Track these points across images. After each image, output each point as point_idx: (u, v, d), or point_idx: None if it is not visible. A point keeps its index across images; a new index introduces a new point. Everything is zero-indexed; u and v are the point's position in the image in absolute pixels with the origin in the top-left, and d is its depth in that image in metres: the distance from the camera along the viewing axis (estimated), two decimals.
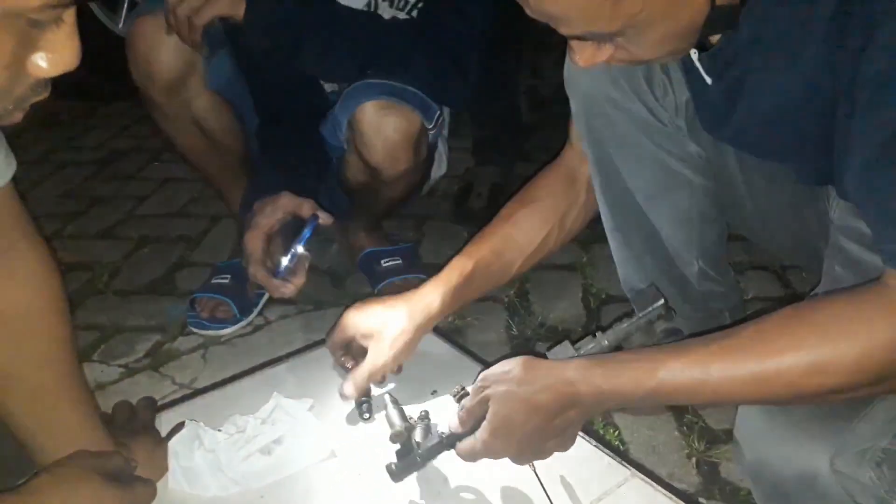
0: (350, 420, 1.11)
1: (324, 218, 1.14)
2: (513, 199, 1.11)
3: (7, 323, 0.83)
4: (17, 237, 0.83)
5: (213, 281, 1.43)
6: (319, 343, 1.28)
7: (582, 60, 0.74)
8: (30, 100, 0.51)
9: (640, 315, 0.87)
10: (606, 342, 0.87)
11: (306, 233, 1.13)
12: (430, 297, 1.06)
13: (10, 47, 0.47)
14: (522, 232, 1.08)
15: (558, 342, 0.88)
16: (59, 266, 0.87)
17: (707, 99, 0.84)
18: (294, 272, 1.15)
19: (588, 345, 0.87)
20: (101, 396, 1.20)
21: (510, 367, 0.83)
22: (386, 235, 1.59)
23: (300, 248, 1.14)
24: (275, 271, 1.15)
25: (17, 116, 0.52)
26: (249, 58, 1.32)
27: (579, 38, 0.72)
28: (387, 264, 1.47)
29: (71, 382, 0.91)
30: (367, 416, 1.09)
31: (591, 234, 1.54)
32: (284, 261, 1.14)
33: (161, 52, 1.26)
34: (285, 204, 1.13)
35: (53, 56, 0.49)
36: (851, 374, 0.66)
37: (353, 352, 1.11)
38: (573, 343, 0.87)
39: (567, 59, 0.96)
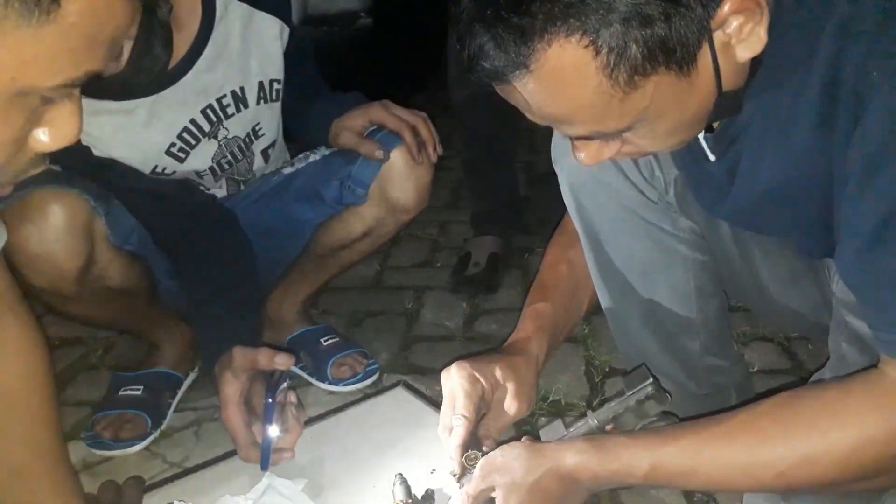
0: (344, 499, 1.07)
1: (285, 363, 1.06)
2: (552, 242, 1.11)
3: None
4: (4, 310, 0.82)
5: (122, 394, 1.31)
6: (313, 420, 1.25)
7: (588, 159, 0.72)
8: (26, 173, 0.51)
9: (628, 395, 0.88)
10: (596, 422, 0.88)
11: (271, 400, 1.03)
12: (534, 346, 1.00)
13: (20, 123, 0.47)
14: (579, 269, 1.07)
15: (551, 422, 0.92)
16: (52, 341, 0.85)
17: (708, 176, 0.84)
18: (285, 428, 1.07)
19: (579, 425, 0.89)
20: (88, 476, 1.16)
21: (512, 455, 0.83)
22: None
23: (274, 409, 1.03)
24: (263, 437, 1.05)
25: (8, 189, 0.52)
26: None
27: (586, 138, 0.70)
28: (328, 342, 1.45)
29: (54, 463, 0.87)
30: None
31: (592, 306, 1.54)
32: (272, 432, 1.04)
33: (58, 241, 1.08)
34: (241, 364, 1.05)
35: (56, 131, 0.49)
36: (843, 467, 0.65)
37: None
38: (565, 423, 0.90)
39: (554, 136, 0.97)
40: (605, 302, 1.07)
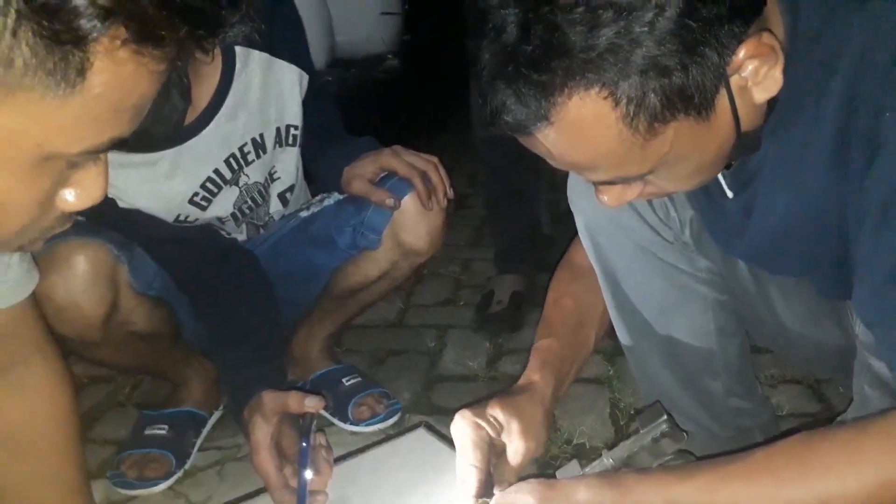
0: None
1: (315, 406, 1.06)
2: (555, 278, 1.09)
3: (13, 437, 0.83)
4: (32, 350, 0.84)
5: (147, 433, 1.33)
6: (335, 461, 1.24)
7: (611, 202, 0.73)
8: (53, 231, 0.53)
9: (643, 432, 0.86)
10: (611, 462, 0.86)
11: (305, 444, 1.03)
12: (539, 382, 0.98)
13: (48, 186, 0.48)
14: (587, 305, 1.05)
15: (567, 462, 0.91)
16: (80, 379, 0.87)
17: (725, 214, 0.84)
18: (317, 470, 1.05)
19: (594, 465, 0.87)
20: None
21: (524, 491, 0.80)
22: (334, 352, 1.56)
23: (308, 454, 1.03)
24: (299, 481, 1.04)
25: (38, 245, 0.53)
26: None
27: (608, 182, 0.71)
28: (349, 382, 1.45)
29: (76, 502, 0.88)
30: None
31: (616, 347, 1.52)
32: (308, 475, 1.02)
33: (83, 291, 1.11)
34: (272, 409, 1.05)
35: (82, 192, 0.50)
36: None
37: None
38: (581, 464, 0.88)
39: (570, 177, 0.98)
40: (624, 341, 1.06)
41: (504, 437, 0.91)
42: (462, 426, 0.89)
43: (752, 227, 0.80)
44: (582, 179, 0.78)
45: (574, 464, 0.89)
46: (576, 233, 1.09)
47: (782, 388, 1.45)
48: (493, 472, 0.91)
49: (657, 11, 0.57)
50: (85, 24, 0.41)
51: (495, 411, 0.91)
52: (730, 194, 0.81)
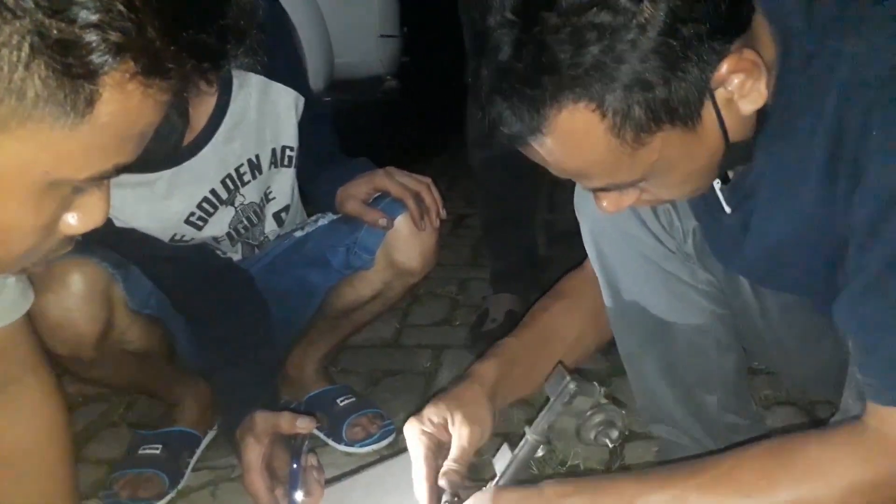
0: None
1: (306, 427, 1.06)
2: (543, 297, 1.10)
3: (5, 456, 0.83)
4: (25, 370, 0.84)
5: (141, 453, 1.32)
6: (329, 482, 1.24)
7: (609, 207, 0.77)
8: (56, 254, 0.54)
9: (553, 401, 0.86)
10: (536, 437, 0.87)
11: (296, 465, 1.03)
12: (483, 370, 0.98)
13: (52, 210, 0.49)
14: (560, 322, 1.06)
15: (498, 450, 0.91)
16: (74, 398, 0.87)
17: (724, 228, 0.86)
18: (308, 491, 1.05)
19: (521, 445, 0.88)
20: None
21: (483, 500, 0.81)
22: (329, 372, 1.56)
23: (299, 475, 1.02)
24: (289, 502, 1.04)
25: (40, 267, 0.54)
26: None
27: (603, 189, 0.75)
28: (343, 403, 1.45)
29: None
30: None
31: (612, 368, 1.52)
32: (298, 497, 1.02)
33: (78, 309, 1.12)
34: (264, 429, 1.06)
35: (84, 216, 0.52)
36: None
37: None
38: (511, 448, 0.89)
39: (577, 187, 0.99)
40: (622, 349, 1.07)
41: (451, 430, 0.92)
42: (410, 437, 0.91)
43: (748, 243, 0.82)
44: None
45: (504, 448, 0.90)
46: (572, 254, 1.11)
47: (777, 409, 1.44)
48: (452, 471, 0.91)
49: (639, 31, 0.61)
50: (96, 58, 0.43)
51: (435, 410, 0.92)
52: (727, 209, 0.83)
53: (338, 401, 1.46)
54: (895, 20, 0.66)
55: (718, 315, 1.02)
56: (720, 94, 0.67)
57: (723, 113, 0.68)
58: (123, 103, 0.45)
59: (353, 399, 1.46)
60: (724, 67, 0.65)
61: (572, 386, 0.85)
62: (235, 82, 1.25)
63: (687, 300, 1.01)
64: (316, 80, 2.42)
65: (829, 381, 0.96)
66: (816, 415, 1.43)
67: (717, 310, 1.01)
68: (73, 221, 0.51)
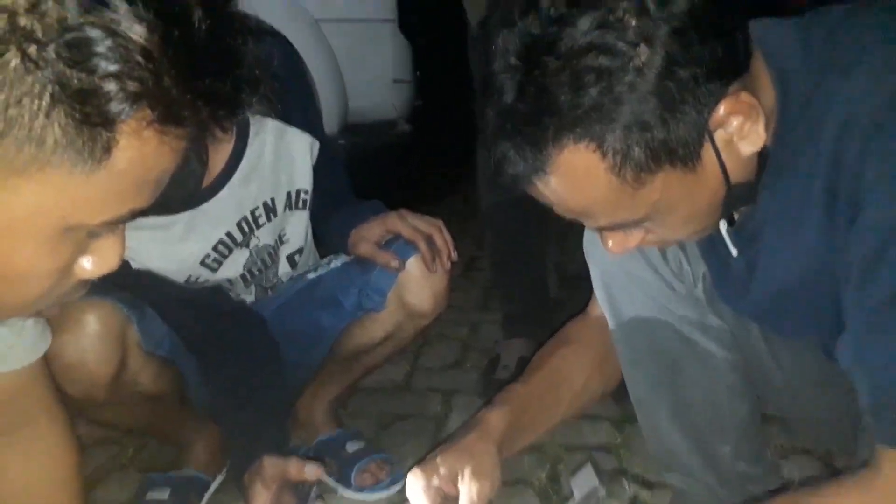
0: None
1: (314, 474, 1.07)
2: (548, 342, 1.10)
3: (16, 498, 0.82)
4: (39, 413, 0.84)
5: (148, 498, 1.31)
6: None
7: (615, 247, 0.77)
8: (70, 297, 0.54)
9: (579, 501, 0.85)
10: None
11: None
12: (491, 418, 0.95)
13: (68, 255, 0.50)
14: (567, 368, 1.05)
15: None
16: (84, 440, 0.87)
17: (730, 271, 0.85)
18: None
19: None
20: None
21: None
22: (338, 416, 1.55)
23: None
24: None
25: (54, 310, 0.55)
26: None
27: (608, 228, 0.75)
28: (353, 448, 1.44)
29: None
30: None
31: (624, 414, 1.50)
32: None
33: (93, 350, 1.11)
34: (272, 475, 1.06)
35: (99, 260, 0.52)
36: None
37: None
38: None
39: (586, 230, 0.99)
40: (634, 395, 1.06)
41: (460, 485, 0.89)
42: (415, 490, 0.89)
43: (755, 285, 0.82)
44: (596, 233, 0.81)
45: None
46: (583, 297, 1.10)
47: (792, 458, 1.41)
48: None
49: (636, 73, 0.62)
50: (115, 107, 0.44)
51: (444, 462, 0.89)
52: (734, 252, 0.82)
53: (347, 445, 1.44)
54: (886, 57, 0.66)
55: (730, 361, 1.01)
56: (719, 135, 0.68)
57: (722, 154, 0.69)
58: (140, 150, 0.46)
59: (363, 444, 1.45)
60: (722, 109, 0.66)
61: (602, 493, 0.85)
62: (252, 127, 1.28)
63: (698, 345, 1.00)
64: (330, 124, 2.46)
65: (844, 430, 0.94)
66: (833, 464, 1.40)
67: (729, 355, 1.00)
68: (89, 265, 0.52)
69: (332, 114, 2.57)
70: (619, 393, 1.13)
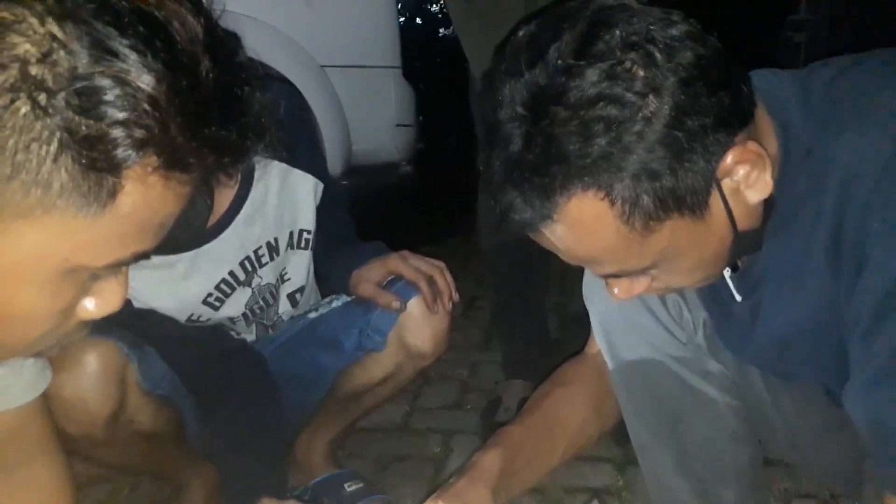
0: None
1: None
2: (544, 383, 1.08)
3: None
4: (37, 452, 0.84)
5: None
6: None
7: (621, 293, 0.77)
8: (71, 338, 0.55)
9: None
10: None
11: None
12: (486, 461, 0.94)
13: (70, 296, 0.51)
14: (564, 410, 1.04)
15: None
16: (80, 478, 0.86)
17: (733, 317, 0.86)
18: None
19: None
20: None
21: None
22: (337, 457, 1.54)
23: None
24: None
25: (55, 350, 0.55)
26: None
27: (615, 276, 0.76)
28: (351, 488, 1.42)
29: None
30: None
31: (626, 457, 1.49)
32: None
33: (92, 389, 1.12)
34: None
35: (101, 301, 0.53)
36: None
37: None
38: None
39: (586, 275, 1.00)
40: (635, 440, 1.05)
41: None
42: None
43: (758, 331, 0.82)
44: (596, 277, 0.81)
45: None
46: (584, 337, 1.10)
47: (796, 502, 1.40)
48: None
49: (645, 123, 0.63)
50: (121, 153, 0.45)
51: None
52: (738, 298, 0.83)
53: (345, 486, 1.43)
54: (885, 111, 0.67)
55: (732, 406, 1.00)
56: (727, 183, 0.69)
57: (730, 202, 0.69)
58: (144, 195, 0.47)
59: (361, 485, 1.44)
60: (730, 158, 0.67)
61: None
62: (257, 168, 1.29)
63: (699, 392, 0.99)
64: (334, 166, 2.49)
65: (847, 474, 0.94)
66: None
67: (731, 401, 1.00)
68: (91, 307, 0.52)
69: (336, 156, 2.61)
70: (621, 434, 1.12)
